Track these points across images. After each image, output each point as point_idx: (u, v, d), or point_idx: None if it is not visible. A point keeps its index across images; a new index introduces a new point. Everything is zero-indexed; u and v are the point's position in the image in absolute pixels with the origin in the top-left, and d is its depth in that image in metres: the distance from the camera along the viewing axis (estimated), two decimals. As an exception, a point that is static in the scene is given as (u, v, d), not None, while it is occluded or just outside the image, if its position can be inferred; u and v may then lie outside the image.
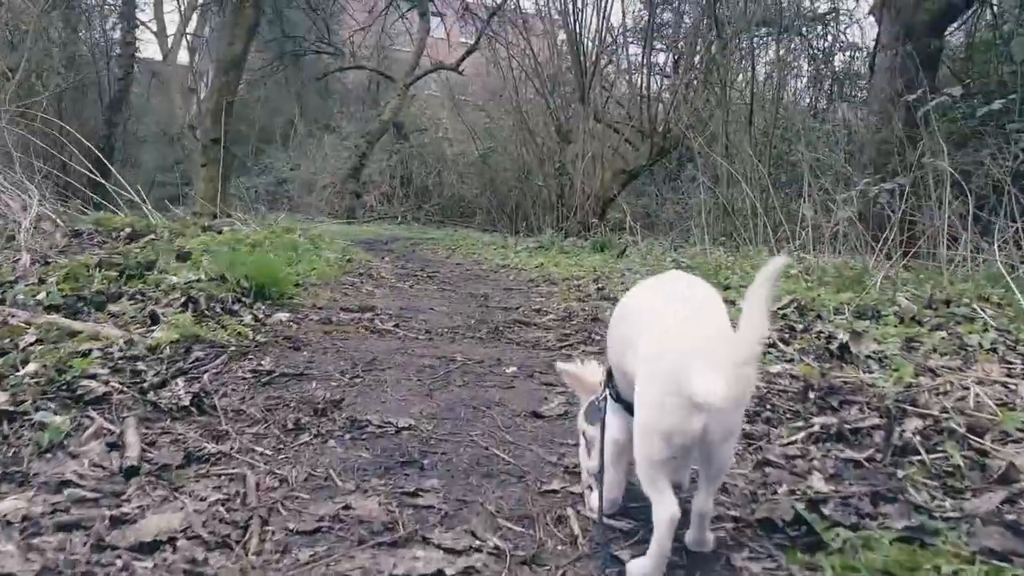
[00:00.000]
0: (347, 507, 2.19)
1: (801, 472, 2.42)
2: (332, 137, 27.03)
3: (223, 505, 2.14)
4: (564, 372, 2.38)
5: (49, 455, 2.35)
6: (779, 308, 4.86)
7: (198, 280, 4.82)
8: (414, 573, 1.83)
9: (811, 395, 3.11)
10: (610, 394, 2.07)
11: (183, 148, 18.46)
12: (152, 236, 6.69)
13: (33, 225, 6.24)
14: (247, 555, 1.89)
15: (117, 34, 22.27)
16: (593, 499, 2.11)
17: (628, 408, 1.94)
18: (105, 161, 10.63)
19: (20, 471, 2.21)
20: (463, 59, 26.07)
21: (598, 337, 4.95)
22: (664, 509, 1.71)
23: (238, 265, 5.02)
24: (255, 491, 2.25)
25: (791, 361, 3.77)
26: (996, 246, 5.61)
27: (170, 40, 25.09)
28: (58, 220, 6.78)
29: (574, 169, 16.94)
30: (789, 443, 2.71)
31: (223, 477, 2.35)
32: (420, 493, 2.30)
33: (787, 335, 4.33)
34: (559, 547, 2.00)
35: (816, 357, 3.80)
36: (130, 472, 2.27)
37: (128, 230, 6.82)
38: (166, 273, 4.91)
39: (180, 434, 2.66)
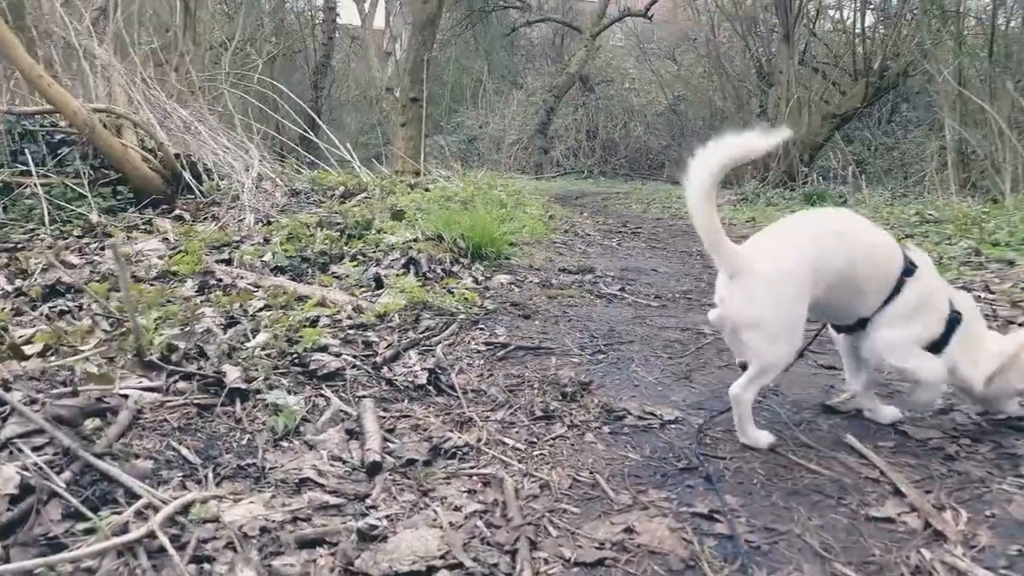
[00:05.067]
0: (629, 530, 1.76)
1: None
2: (519, 93, 26.78)
3: (481, 518, 1.78)
4: None
5: (285, 443, 2.08)
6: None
7: (415, 240, 4.59)
8: (747, 643, 1.35)
9: None
10: None
11: (381, 110, 18.90)
12: (364, 194, 6.61)
13: (255, 184, 6.26)
14: (521, 594, 1.50)
15: (319, 1, 23.03)
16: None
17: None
18: (317, 119, 10.83)
19: (255, 464, 1.94)
20: (652, 2, 24.82)
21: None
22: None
23: (453, 224, 4.75)
24: (515, 500, 1.86)
25: None
26: None
27: (367, 5, 25.69)
28: (277, 179, 6.81)
29: (778, 114, 15.62)
30: None
31: (475, 478, 1.98)
32: (716, 516, 1.83)
33: None
34: (934, 613, 1.46)
35: None
36: (373, 468, 1.96)
37: (342, 188, 6.79)
38: (383, 232, 4.71)
39: (420, 419, 2.33)
